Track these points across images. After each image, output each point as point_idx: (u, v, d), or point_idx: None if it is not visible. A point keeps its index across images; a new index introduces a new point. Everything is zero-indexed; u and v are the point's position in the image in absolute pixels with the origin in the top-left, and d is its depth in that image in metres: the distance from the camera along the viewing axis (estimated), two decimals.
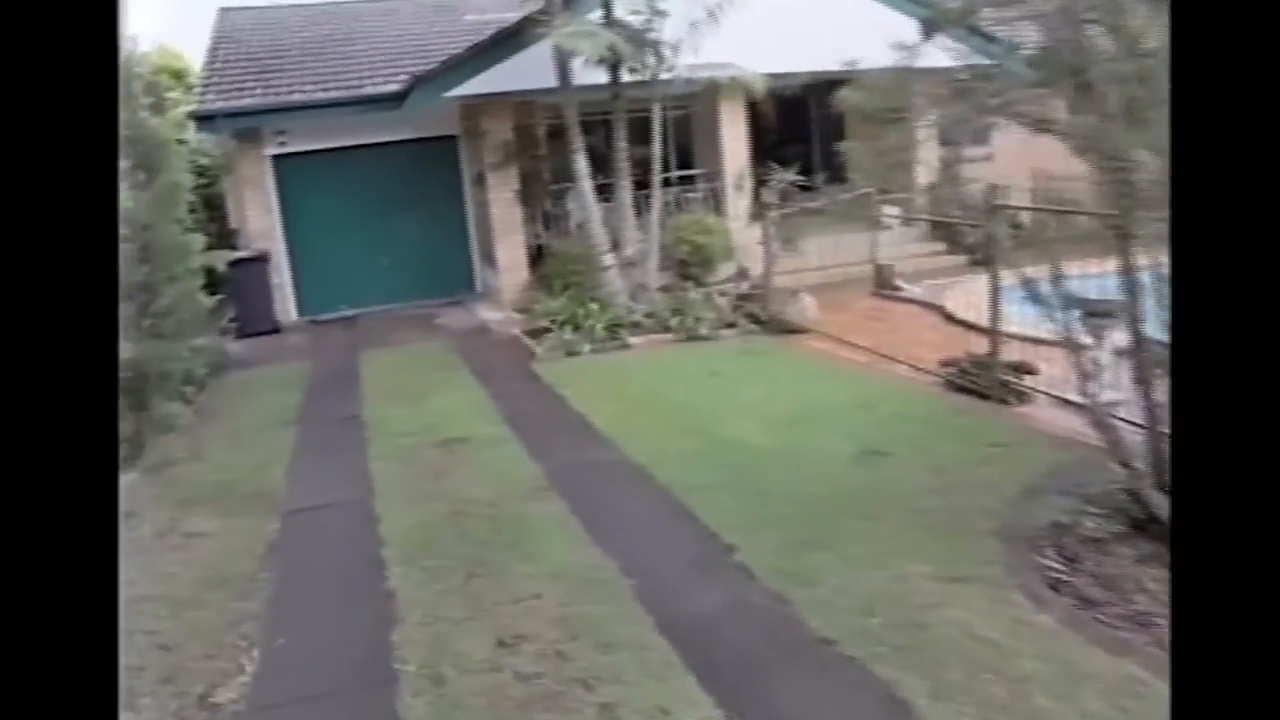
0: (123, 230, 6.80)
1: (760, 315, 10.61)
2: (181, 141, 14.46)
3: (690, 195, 13.69)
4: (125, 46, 7.83)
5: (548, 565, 4.80)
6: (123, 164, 7.47)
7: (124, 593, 4.77)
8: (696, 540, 5.02)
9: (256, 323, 13.05)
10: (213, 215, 16.88)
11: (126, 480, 6.74)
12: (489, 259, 13.97)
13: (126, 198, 7.37)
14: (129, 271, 6.85)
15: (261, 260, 13.18)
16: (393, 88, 13.18)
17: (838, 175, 14.05)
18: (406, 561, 4.98)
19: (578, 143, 10.73)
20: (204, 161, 15.93)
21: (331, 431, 7.82)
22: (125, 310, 6.67)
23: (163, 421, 7.24)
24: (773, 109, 14.74)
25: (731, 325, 10.49)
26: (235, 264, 12.83)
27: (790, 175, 12.19)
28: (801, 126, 16.70)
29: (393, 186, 14.23)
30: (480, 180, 13.63)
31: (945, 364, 7.71)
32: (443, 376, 9.34)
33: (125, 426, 6.84)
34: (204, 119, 13.05)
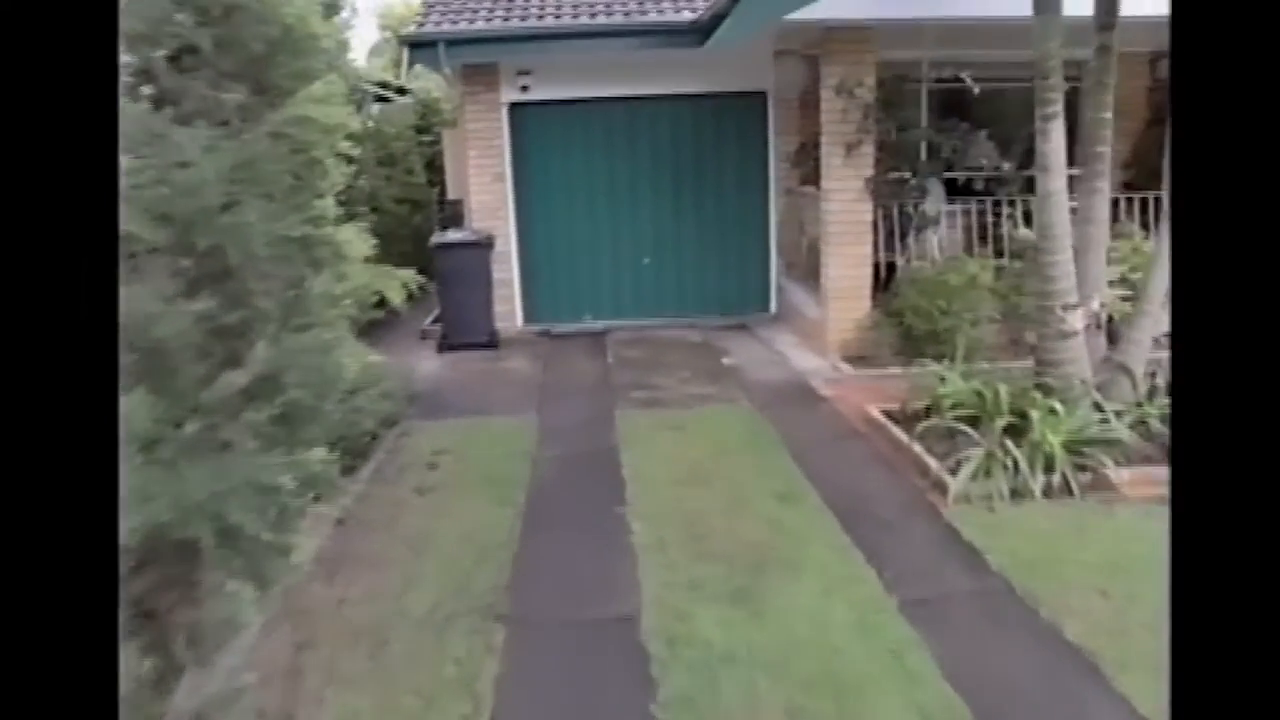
0: (163, 230, 2.76)
1: None
2: (363, 86, 11.01)
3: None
4: None
5: None
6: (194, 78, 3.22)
7: None
8: None
9: (467, 331, 9.48)
10: (431, 181, 13.64)
11: None
12: (802, 274, 9.56)
13: (169, 150, 3.12)
14: (170, 308, 2.82)
15: (483, 246, 9.46)
16: (688, 16, 9.03)
17: None
18: None
19: (1053, 106, 5.61)
20: (384, 127, 12.67)
21: (578, 673, 3.57)
22: (152, 401, 2.66)
23: (222, 626, 3.27)
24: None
25: None
26: (445, 248, 9.27)
27: None
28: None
29: (667, 157, 10.17)
30: (803, 159, 9.21)
31: None
32: (776, 511, 4.95)
33: (137, 646, 2.91)
34: (420, 46, 9.21)
